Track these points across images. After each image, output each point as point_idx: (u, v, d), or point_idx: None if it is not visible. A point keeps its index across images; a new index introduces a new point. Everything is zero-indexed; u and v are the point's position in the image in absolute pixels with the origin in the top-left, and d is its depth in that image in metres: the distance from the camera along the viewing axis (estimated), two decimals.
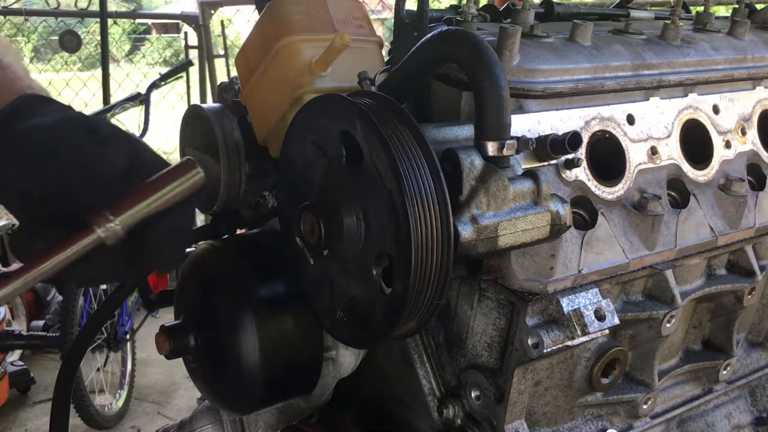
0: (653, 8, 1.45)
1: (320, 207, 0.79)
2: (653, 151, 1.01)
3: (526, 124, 0.90)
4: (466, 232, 0.77)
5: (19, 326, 4.24)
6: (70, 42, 5.54)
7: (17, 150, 0.65)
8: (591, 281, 0.92)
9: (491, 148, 0.79)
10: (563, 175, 0.91)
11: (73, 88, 6.22)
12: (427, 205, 0.71)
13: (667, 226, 0.99)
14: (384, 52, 1.08)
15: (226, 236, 1.23)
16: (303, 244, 0.84)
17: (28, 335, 3.97)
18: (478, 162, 0.79)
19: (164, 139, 5.71)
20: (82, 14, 6.01)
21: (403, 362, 1.02)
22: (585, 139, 0.94)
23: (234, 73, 1.22)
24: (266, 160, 1.13)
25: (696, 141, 1.07)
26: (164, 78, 5.05)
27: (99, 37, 5.60)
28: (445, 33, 0.82)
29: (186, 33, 6.85)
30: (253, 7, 1.24)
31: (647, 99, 1.03)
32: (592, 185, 0.94)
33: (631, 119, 1.00)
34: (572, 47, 0.99)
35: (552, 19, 1.22)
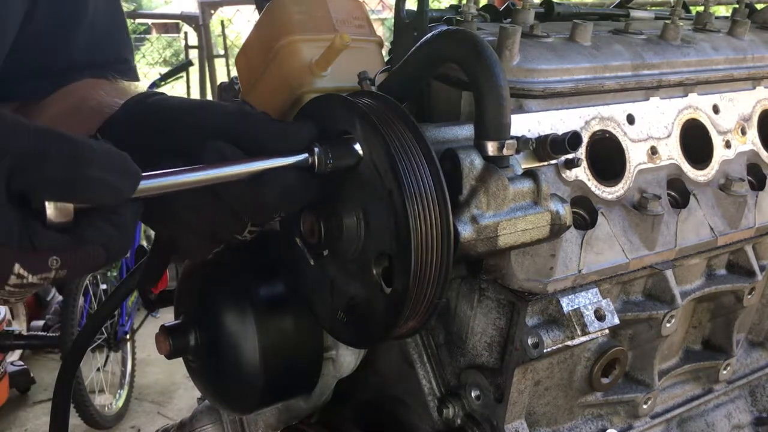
0: (653, 8, 1.45)
1: (320, 207, 0.79)
2: (653, 150, 1.01)
3: (526, 123, 0.90)
4: (466, 232, 0.77)
5: (19, 326, 4.24)
6: None
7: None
8: (591, 281, 0.92)
9: (491, 147, 0.79)
10: (563, 175, 0.91)
11: None
12: (427, 204, 0.71)
13: (667, 226, 0.99)
14: (384, 52, 1.08)
15: None
16: (303, 245, 0.84)
17: (28, 335, 3.97)
18: (478, 162, 0.79)
19: None
20: None
21: (403, 362, 1.02)
22: (585, 139, 0.94)
23: (234, 73, 1.22)
24: None
25: (696, 141, 1.07)
26: (164, 78, 5.05)
27: None
28: (445, 33, 0.82)
29: (186, 33, 6.86)
30: (253, 7, 1.24)
31: (647, 99, 1.03)
32: (592, 185, 0.94)
33: (631, 119, 1.00)
34: (572, 47, 0.99)
35: (552, 19, 1.22)
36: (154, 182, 0.63)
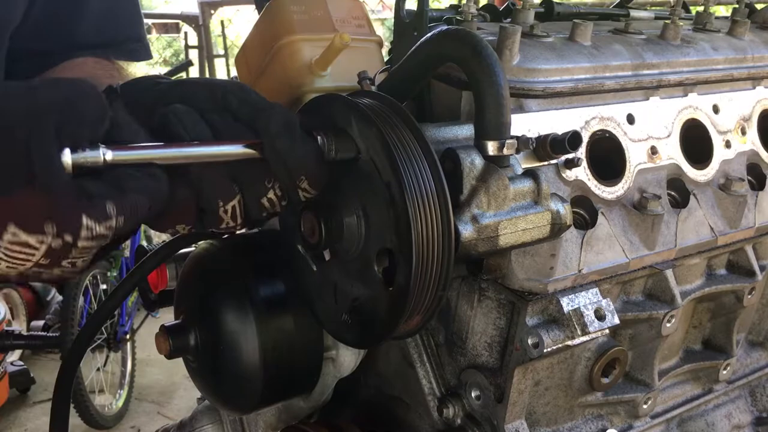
0: (653, 8, 1.45)
1: (319, 206, 0.79)
2: (653, 150, 1.01)
3: (526, 123, 0.90)
4: (467, 231, 0.77)
5: (19, 326, 4.24)
6: None
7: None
8: (591, 281, 0.92)
9: (491, 147, 0.79)
10: (563, 175, 0.91)
11: None
12: (426, 193, 0.71)
13: (667, 226, 0.99)
14: (384, 52, 1.08)
15: (226, 236, 1.23)
16: (305, 252, 0.84)
17: (28, 335, 3.97)
18: (479, 161, 0.79)
19: None
20: None
21: (403, 362, 1.02)
22: (585, 139, 0.94)
23: (234, 72, 1.22)
24: None
25: (696, 141, 1.07)
26: None
27: None
28: (445, 32, 0.82)
29: (186, 33, 6.86)
30: (253, 7, 1.24)
31: (647, 99, 1.03)
32: (592, 185, 0.94)
33: (631, 119, 1.00)
34: (572, 47, 0.99)
35: (552, 19, 1.22)
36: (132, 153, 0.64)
